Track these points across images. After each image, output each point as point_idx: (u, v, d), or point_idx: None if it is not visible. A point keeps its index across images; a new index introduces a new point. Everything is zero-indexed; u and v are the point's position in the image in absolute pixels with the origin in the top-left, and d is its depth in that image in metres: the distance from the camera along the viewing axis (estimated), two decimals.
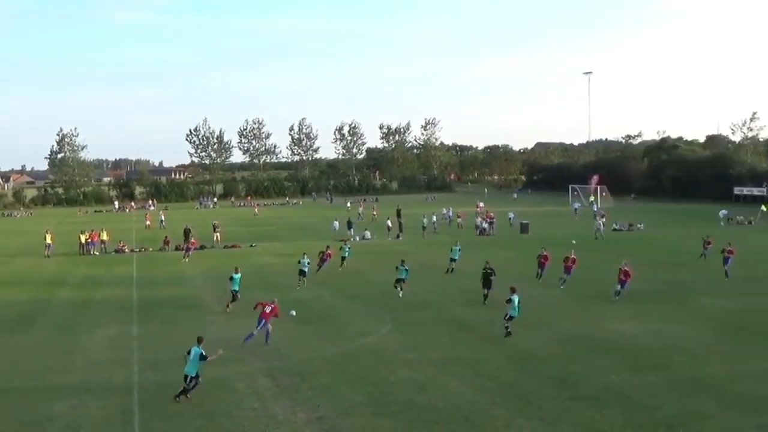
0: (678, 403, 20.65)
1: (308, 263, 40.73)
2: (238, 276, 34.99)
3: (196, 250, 57.15)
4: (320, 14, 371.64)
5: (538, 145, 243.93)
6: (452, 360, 25.49)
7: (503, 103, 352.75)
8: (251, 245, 62.03)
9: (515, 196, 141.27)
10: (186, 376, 21.09)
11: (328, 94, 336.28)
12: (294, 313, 30.15)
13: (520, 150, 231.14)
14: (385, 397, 21.44)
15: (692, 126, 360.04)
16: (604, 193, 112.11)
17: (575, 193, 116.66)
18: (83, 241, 59.72)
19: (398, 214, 75.42)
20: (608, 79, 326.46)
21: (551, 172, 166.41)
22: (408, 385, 22.61)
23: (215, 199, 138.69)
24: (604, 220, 76.01)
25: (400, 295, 36.37)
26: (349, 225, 69.40)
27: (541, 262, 41.55)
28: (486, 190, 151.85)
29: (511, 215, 80.00)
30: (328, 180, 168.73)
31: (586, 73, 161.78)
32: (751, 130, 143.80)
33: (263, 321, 27.86)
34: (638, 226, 74.56)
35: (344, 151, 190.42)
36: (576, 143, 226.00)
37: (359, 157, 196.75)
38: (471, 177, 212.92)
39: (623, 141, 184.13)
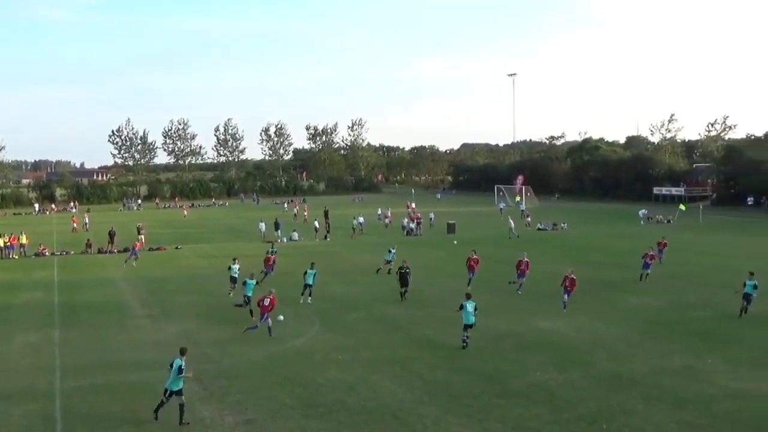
0: (602, 398, 21.09)
1: (238, 269, 38.99)
2: (252, 282, 33.56)
3: (120, 253, 56.31)
4: (246, 14, 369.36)
5: (464, 146, 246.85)
6: (382, 359, 25.56)
7: (429, 104, 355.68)
8: (176, 247, 61.16)
9: (439, 196, 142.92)
10: (165, 390, 19.73)
11: (254, 94, 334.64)
12: (282, 318, 30.09)
13: (446, 151, 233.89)
14: (314, 399, 21.37)
15: (613, 127, 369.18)
16: (529, 193, 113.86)
17: (501, 193, 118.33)
18: (2, 244, 57.97)
19: (326, 215, 75.31)
20: (532, 81, 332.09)
21: (477, 172, 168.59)
22: (337, 385, 22.58)
23: (140, 201, 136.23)
24: (529, 219, 78.25)
25: (309, 301, 35.57)
26: (277, 226, 68.94)
27: (471, 266, 40.31)
28: (413, 190, 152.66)
29: (431, 215, 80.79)
30: (255, 181, 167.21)
31: (511, 74, 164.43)
32: (669, 131, 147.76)
33: (264, 315, 28.75)
34: (562, 225, 76.01)
35: (271, 152, 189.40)
36: (501, 144, 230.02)
37: (286, 158, 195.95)
38: (398, 178, 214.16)
39: (547, 142, 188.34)
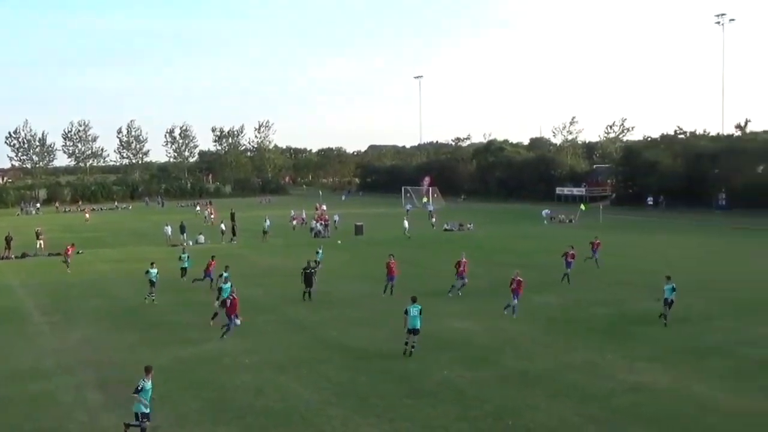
0: (508, 395, 21.51)
1: (156, 273, 37.60)
2: (227, 286, 32.33)
3: (18, 259, 54.57)
4: (148, 13, 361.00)
5: (372, 147, 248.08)
6: (290, 362, 25.45)
7: (337, 105, 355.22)
8: (79, 252, 59.47)
9: (344, 198, 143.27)
10: (136, 414, 18.28)
11: (157, 95, 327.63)
12: (240, 321, 29.89)
13: (353, 152, 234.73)
14: (223, 403, 21.14)
15: (517, 129, 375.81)
16: (435, 195, 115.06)
17: (408, 194, 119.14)
18: None
19: (232, 218, 74.56)
20: (438, 83, 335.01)
21: (384, 174, 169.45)
22: (246, 389, 22.39)
23: (38, 205, 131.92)
24: (434, 220, 79.31)
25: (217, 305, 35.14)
26: (182, 229, 67.83)
27: (390, 270, 37.95)
28: (321, 192, 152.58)
29: (336, 217, 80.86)
30: (160, 183, 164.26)
31: (417, 77, 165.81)
32: (570, 133, 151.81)
33: (230, 316, 28.74)
34: (468, 226, 77.00)
35: (176, 154, 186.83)
36: (408, 146, 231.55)
37: (191, 160, 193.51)
38: (305, 179, 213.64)
39: (453, 143, 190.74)
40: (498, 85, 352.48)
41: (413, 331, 25.80)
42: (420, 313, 25.96)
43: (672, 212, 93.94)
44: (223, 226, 70.16)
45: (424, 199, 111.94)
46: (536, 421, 19.34)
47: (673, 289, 30.48)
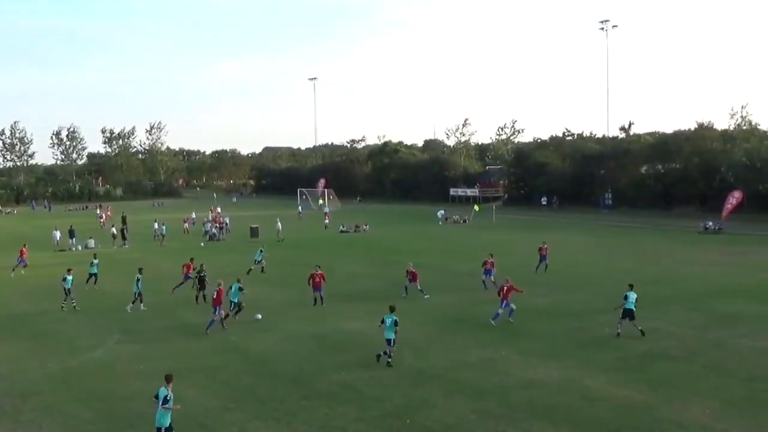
0: (406, 394, 21.72)
1: (72, 281, 35.94)
2: (237, 285, 32.56)
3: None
4: (32, 11, 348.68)
5: (267, 149, 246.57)
6: (186, 368, 24.94)
7: (230, 107, 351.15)
8: None
9: (234, 200, 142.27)
10: (161, 429, 17.19)
11: (43, 96, 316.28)
12: (260, 316, 30.93)
13: (248, 154, 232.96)
14: (116, 412, 20.61)
15: (411, 131, 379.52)
16: (331, 196, 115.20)
17: (304, 196, 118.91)
18: None
19: (123, 221, 72.80)
20: (333, 85, 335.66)
21: (279, 176, 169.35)
22: (140, 397, 21.82)
23: None
24: (327, 221, 79.70)
25: (143, 307, 34.61)
26: (71, 234, 65.87)
27: (316, 282, 35.54)
28: (215, 195, 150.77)
29: (227, 220, 79.87)
30: (47, 187, 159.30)
31: (311, 78, 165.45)
32: (463, 135, 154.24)
33: (215, 308, 29.82)
34: (364, 227, 77.36)
35: (63, 157, 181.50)
36: (303, 147, 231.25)
37: (80, 162, 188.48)
38: (199, 182, 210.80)
39: (348, 145, 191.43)
40: (392, 86, 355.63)
41: (387, 342, 24.98)
42: (395, 324, 24.93)
43: (562, 212, 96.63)
44: (113, 230, 68.40)
45: (320, 201, 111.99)
46: (433, 419, 19.60)
47: (626, 297, 28.56)
